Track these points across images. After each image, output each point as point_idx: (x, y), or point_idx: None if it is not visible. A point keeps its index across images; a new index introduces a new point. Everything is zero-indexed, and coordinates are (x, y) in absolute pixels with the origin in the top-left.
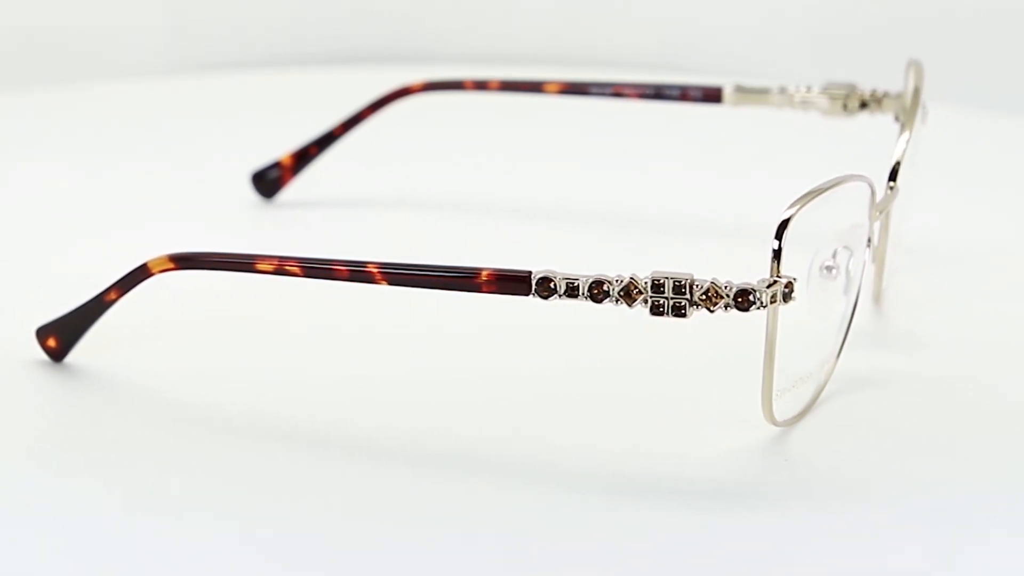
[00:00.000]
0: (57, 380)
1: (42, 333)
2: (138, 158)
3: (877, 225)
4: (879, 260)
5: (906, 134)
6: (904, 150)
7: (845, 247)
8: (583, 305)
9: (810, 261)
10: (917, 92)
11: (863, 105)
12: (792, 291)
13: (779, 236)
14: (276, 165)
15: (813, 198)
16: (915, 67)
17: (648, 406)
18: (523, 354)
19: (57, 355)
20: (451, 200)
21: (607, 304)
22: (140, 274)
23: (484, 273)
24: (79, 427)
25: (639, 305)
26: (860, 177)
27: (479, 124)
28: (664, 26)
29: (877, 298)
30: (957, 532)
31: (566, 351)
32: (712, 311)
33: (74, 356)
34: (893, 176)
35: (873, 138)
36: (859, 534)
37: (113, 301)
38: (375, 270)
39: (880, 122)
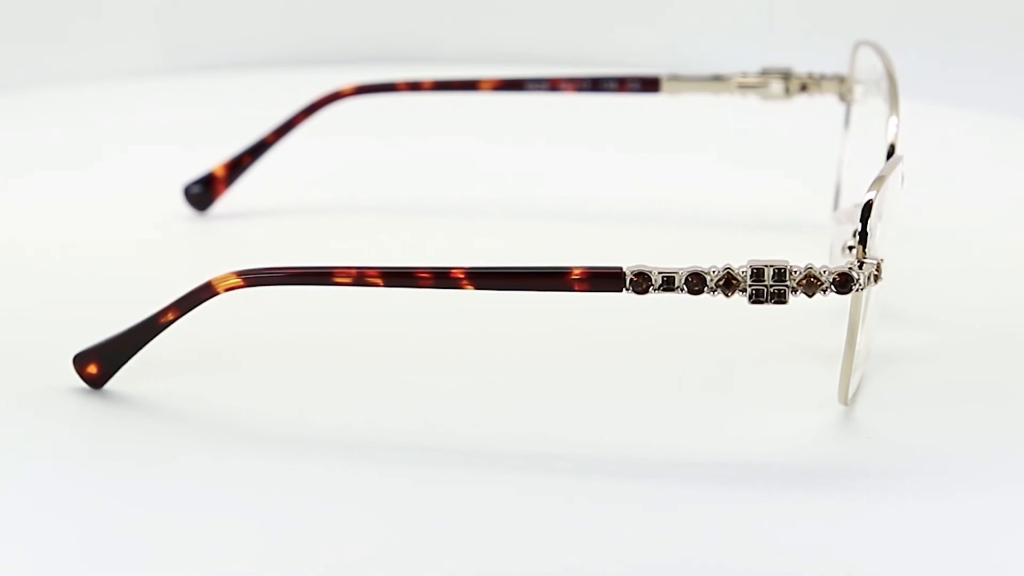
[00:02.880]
0: (96, 408)
1: (81, 359)
2: (67, 173)
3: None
4: None
5: (894, 117)
6: (896, 132)
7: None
8: (625, 298)
9: (830, 242)
10: (891, 74)
11: (803, 88)
12: (880, 272)
13: (864, 219)
14: (209, 177)
15: (885, 181)
16: (878, 50)
17: (699, 389)
18: (590, 345)
19: (97, 382)
20: (397, 203)
21: (704, 295)
22: (203, 293)
23: (575, 271)
24: (117, 458)
25: (737, 294)
26: (902, 158)
27: (415, 125)
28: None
29: None
30: None
31: (618, 342)
32: (811, 296)
33: (113, 383)
34: (891, 155)
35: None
36: (965, 512)
37: (169, 323)
38: (461, 275)
39: (814, 104)
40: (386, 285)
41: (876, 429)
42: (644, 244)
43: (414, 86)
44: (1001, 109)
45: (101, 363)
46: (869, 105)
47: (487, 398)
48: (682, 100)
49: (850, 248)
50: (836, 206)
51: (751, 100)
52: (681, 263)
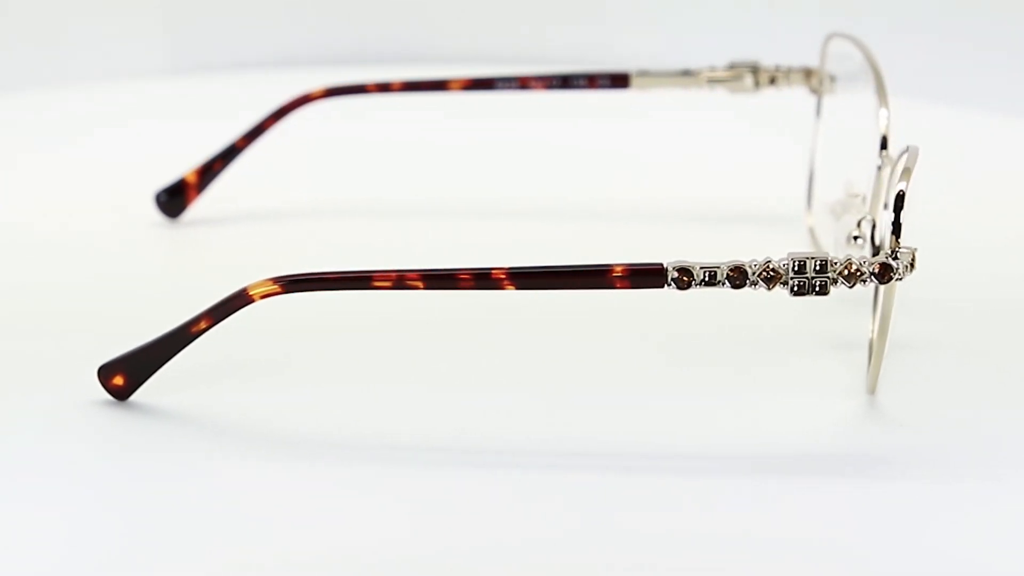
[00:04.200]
0: (122, 421)
1: (107, 371)
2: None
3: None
4: None
5: (884, 110)
6: (887, 124)
7: (869, 217)
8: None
9: (834, 232)
10: (875, 66)
11: (772, 81)
12: (915, 262)
13: (898, 209)
14: (180, 183)
15: (913, 171)
16: (857, 42)
17: (723, 380)
18: (611, 338)
19: (122, 394)
20: (364, 206)
21: (745, 289)
22: (237, 301)
23: (616, 269)
24: (145, 476)
25: (778, 287)
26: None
27: (386, 126)
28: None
29: None
30: None
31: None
32: (851, 286)
33: (139, 395)
34: (884, 146)
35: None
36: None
37: (202, 332)
38: (502, 276)
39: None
40: (426, 287)
41: (904, 416)
42: (618, 240)
43: (383, 87)
44: (968, 102)
45: (128, 374)
46: (839, 97)
47: (509, 396)
48: (651, 95)
49: (855, 238)
50: (809, 197)
51: (720, 94)
52: (651, 258)
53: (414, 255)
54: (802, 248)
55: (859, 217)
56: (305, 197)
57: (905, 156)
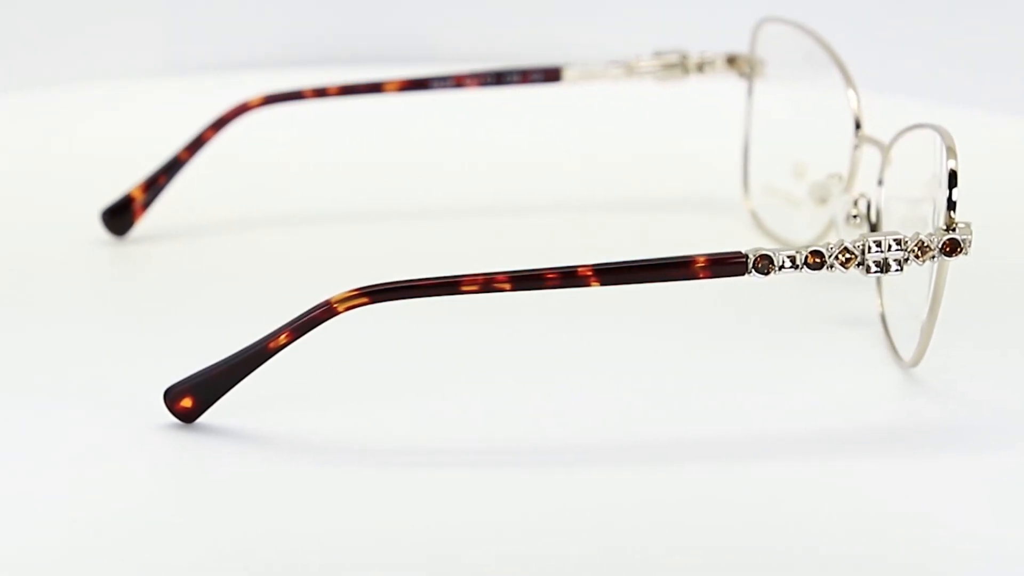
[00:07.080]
0: (188, 444)
1: (174, 393)
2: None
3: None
4: None
5: (852, 92)
6: (857, 106)
7: (862, 195)
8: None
9: (833, 213)
10: (831, 50)
11: (699, 68)
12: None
13: (951, 186)
14: (126, 199)
15: (956, 149)
16: (805, 30)
17: (763, 357)
18: (640, 322)
19: (190, 416)
20: (310, 214)
21: (823, 271)
22: (322, 314)
23: (699, 260)
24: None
25: (853, 267)
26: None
27: (326, 132)
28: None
29: None
30: None
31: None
32: (922, 263)
33: (208, 416)
34: (858, 126)
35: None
36: None
37: (281, 347)
38: (588, 272)
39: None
40: (514, 289)
41: (943, 387)
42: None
43: (320, 92)
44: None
45: (196, 396)
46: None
47: (533, 383)
48: (584, 87)
49: (854, 216)
50: (745, 181)
51: (647, 83)
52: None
53: (377, 261)
54: (752, 232)
55: (853, 197)
56: (255, 207)
57: (904, 137)
